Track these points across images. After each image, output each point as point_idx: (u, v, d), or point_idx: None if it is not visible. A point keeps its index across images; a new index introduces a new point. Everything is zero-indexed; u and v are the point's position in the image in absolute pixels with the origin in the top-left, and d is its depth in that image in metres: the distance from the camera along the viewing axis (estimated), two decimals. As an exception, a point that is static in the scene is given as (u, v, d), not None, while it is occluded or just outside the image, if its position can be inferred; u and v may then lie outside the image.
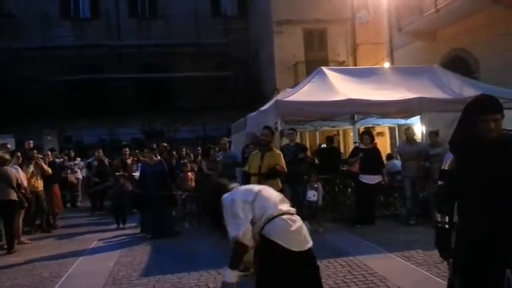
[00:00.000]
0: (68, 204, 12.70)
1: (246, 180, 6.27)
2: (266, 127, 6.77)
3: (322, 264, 4.23)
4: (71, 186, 12.98)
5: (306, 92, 8.89)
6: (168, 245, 7.30)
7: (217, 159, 9.26)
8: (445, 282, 4.55)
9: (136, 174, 9.79)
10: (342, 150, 14.12)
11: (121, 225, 9.08)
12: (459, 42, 11.63)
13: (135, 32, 23.13)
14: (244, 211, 2.97)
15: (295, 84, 13.74)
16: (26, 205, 7.86)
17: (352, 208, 8.70)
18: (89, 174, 12.41)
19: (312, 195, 7.78)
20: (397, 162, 9.53)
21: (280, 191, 5.08)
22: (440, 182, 2.89)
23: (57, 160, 11.36)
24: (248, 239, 2.93)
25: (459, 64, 11.48)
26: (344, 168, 9.64)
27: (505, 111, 2.69)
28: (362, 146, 8.40)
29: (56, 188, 9.62)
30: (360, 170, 8.12)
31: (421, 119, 8.61)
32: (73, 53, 21.83)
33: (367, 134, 8.57)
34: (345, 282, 4.95)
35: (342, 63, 17.96)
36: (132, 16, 23.82)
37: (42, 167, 8.80)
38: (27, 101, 20.24)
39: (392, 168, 9.59)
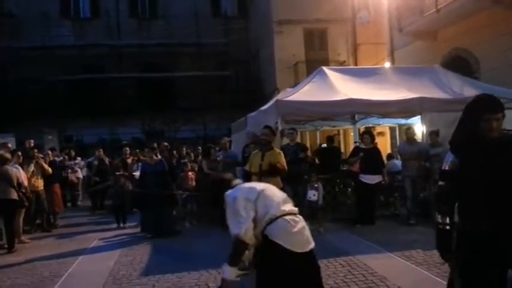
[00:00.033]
0: (69, 204, 12.71)
1: (247, 179, 6.27)
2: (266, 126, 6.77)
3: (322, 264, 4.22)
4: (72, 185, 12.99)
5: (307, 92, 8.89)
6: (168, 245, 7.30)
7: (218, 158, 9.27)
8: (445, 282, 4.56)
9: (137, 173, 9.79)
10: (342, 150, 14.13)
11: (121, 225, 9.09)
12: (460, 42, 11.63)
13: (135, 32, 23.12)
14: (246, 209, 2.96)
15: (295, 84, 13.74)
16: (27, 204, 7.87)
17: (352, 208, 8.70)
18: (89, 173, 12.42)
19: (312, 194, 7.78)
20: (398, 162, 9.53)
21: (281, 190, 5.07)
22: (440, 183, 2.87)
23: (57, 159, 11.34)
24: (249, 237, 2.92)
25: (460, 64, 11.49)
26: (344, 168, 9.64)
27: (506, 112, 2.69)
28: (362, 146, 8.40)
29: (57, 187, 9.63)
30: (360, 169, 8.12)
31: (421, 119, 8.61)
32: (73, 53, 21.83)
33: (368, 134, 8.57)
34: (345, 282, 4.95)
35: (342, 63, 17.96)
36: (133, 16, 23.81)
37: (42, 167, 8.81)
38: (27, 101, 20.24)
39: (392, 168, 9.59)
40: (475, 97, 2.79)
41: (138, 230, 8.38)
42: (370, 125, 11.64)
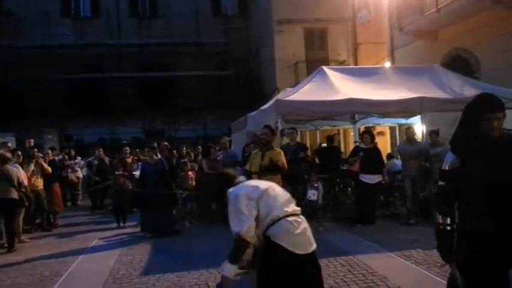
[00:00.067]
0: (69, 203, 12.71)
1: (247, 179, 6.26)
2: (266, 126, 6.78)
3: (322, 263, 4.21)
4: (72, 185, 12.99)
5: (307, 92, 8.89)
6: (168, 244, 7.31)
7: (218, 158, 9.28)
8: (445, 282, 4.57)
9: (137, 173, 9.79)
10: (342, 149, 14.14)
11: (121, 224, 9.09)
12: (460, 42, 11.62)
13: (135, 31, 23.11)
14: (248, 207, 2.92)
15: (295, 83, 13.74)
16: (27, 204, 7.87)
17: (352, 207, 8.70)
18: (89, 173, 12.43)
19: (312, 194, 7.79)
20: (398, 162, 9.53)
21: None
22: (440, 183, 2.85)
23: (56, 158, 11.34)
24: (251, 236, 2.89)
25: (460, 64, 11.48)
26: (344, 168, 9.64)
27: (506, 111, 2.68)
28: (362, 146, 8.40)
29: (57, 186, 9.63)
30: (360, 169, 8.12)
31: (421, 118, 8.61)
32: (73, 52, 21.81)
33: (368, 134, 8.57)
34: (344, 281, 4.95)
35: (342, 63, 17.96)
36: (133, 15, 23.80)
37: (42, 166, 8.81)
38: (27, 100, 20.23)
39: (392, 168, 9.59)
40: (476, 96, 2.78)
41: (138, 229, 8.38)
42: (370, 125, 11.64)
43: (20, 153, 8.60)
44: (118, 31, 23.13)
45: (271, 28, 18.69)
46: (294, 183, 7.60)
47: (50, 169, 9.02)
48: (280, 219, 2.94)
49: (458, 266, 2.65)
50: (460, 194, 2.69)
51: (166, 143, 11.57)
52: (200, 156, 10.64)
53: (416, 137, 8.64)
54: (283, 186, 6.00)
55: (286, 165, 6.41)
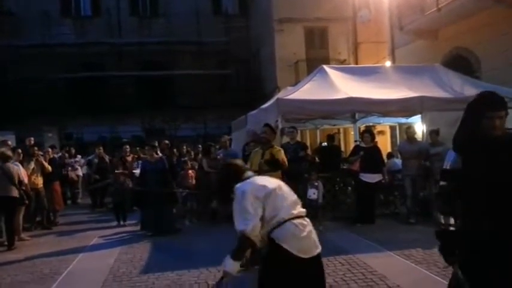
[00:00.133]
0: (69, 201, 12.72)
1: None
2: (266, 125, 6.78)
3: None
4: (72, 183, 13.00)
5: (307, 91, 8.89)
6: (168, 243, 7.31)
7: (218, 157, 9.28)
8: (444, 281, 4.56)
9: (137, 171, 9.79)
10: (342, 148, 14.13)
11: (121, 223, 9.09)
12: (461, 41, 11.62)
13: (136, 30, 23.12)
14: (254, 206, 2.85)
15: (296, 82, 13.73)
16: (27, 202, 7.87)
17: (352, 207, 8.70)
18: (89, 171, 12.44)
19: (312, 193, 7.79)
20: (398, 161, 9.53)
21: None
22: (442, 183, 2.81)
23: (56, 156, 11.33)
24: (255, 235, 2.84)
25: (461, 63, 11.48)
26: (344, 167, 9.64)
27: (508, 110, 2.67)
28: (363, 145, 8.40)
29: (57, 185, 9.64)
30: (360, 168, 8.12)
31: (422, 118, 8.61)
32: (74, 51, 21.82)
33: (368, 133, 8.57)
34: (344, 280, 4.96)
35: (343, 62, 17.95)
36: (133, 14, 23.78)
37: (42, 164, 8.81)
38: (27, 98, 20.23)
39: (392, 167, 9.59)
40: (478, 95, 2.74)
41: (138, 227, 8.39)
42: (371, 124, 11.64)
43: (20, 151, 8.60)
44: (118, 30, 23.13)
45: (272, 27, 18.68)
46: (293, 182, 7.59)
47: (50, 168, 9.03)
48: (285, 221, 2.89)
49: (462, 267, 2.60)
50: (461, 193, 2.65)
51: (167, 142, 11.58)
52: (200, 155, 10.63)
53: (416, 136, 8.64)
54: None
55: (286, 162, 6.40)
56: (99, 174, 11.48)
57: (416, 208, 8.24)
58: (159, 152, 9.00)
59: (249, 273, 3.10)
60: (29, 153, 8.73)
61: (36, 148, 9.07)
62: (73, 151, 13.98)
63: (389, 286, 4.69)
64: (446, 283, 4.41)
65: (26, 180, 7.94)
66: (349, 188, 9.08)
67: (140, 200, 8.38)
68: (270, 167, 6.12)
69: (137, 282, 5.24)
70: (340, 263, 5.59)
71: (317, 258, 2.99)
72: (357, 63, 17.81)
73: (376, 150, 8.38)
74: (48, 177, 9.03)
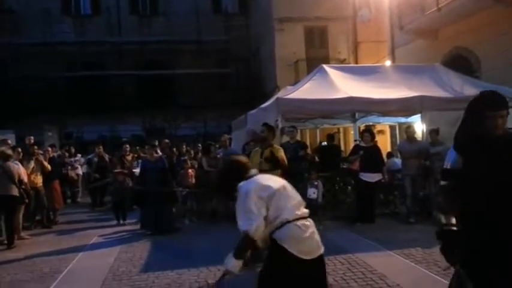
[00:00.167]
0: (69, 200, 12.72)
1: None
2: (264, 124, 6.79)
3: (321, 261, 4.26)
4: (72, 182, 13.00)
5: (307, 90, 8.89)
6: (168, 242, 7.31)
7: (218, 156, 9.28)
8: (444, 281, 4.57)
9: (137, 170, 9.80)
10: (342, 148, 14.13)
11: (121, 222, 9.09)
12: (461, 41, 11.62)
13: (136, 29, 23.11)
14: (257, 206, 2.83)
15: (296, 81, 13.72)
16: (27, 201, 7.87)
17: (352, 206, 8.70)
18: (89, 170, 12.43)
19: (312, 192, 7.79)
20: (398, 161, 9.53)
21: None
22: (442, 182, 2.80)
23: (55, 155, 11.34)
24: (258, 235, 2.83)
25: (461, 63, 11.48)
26: (344, 166, 9.64)
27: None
28: (362, 144, 8.40)
29: (56, 184, 9.64)
30: (360, 168, 8.12)
31: (421, 117, 8.62)
32: (74, 50, 21.83)
33: (368, 132, 8.57)
34: (344, 279, 4.96)
35: (343, 61, 17.94)
36: (133, 13, 23.77)
37: (42, 163, 8.81)
38: (27, 97, 20.23)
39: (392, 167, 9.59)
40: (479, 94, 2.72)
41: (138, 226, 8.39)
42: (370, 123, 11.64)
43: (20, 150, 8.60)
44: (118, 29, 23.12)
45: (272, 26, 18.68)
46: (293, 182, 7.59)
47: (49, 167, 9.03)
48: (288, 222, 2.86)
49: (463, 268, 2.56)
50: (462, 192, 2.63)
51: (167, 141, 11.57)
52: (200, 154, 10.64)
53: (416, 135, 8.65)
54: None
55: (286, 161, 6.40)
56: (99, 173, 11.48)
57: (416, 207, 8.25)
58: (159, 151, 9.01)
59: (250, 272, 3.08)
60: (28, 152, 8.73)
61: (36, 147, 9.07)
62: (73, 150, 13.98)
63: (389, 285, 4.70)
64: (446, 282, 4.41)
65: (25, 179, 7.94)
66: (349, 187, 9.08)
67: (140, 199, 8.38)
68: (270, 164, 6.11)
69: (137, 281, 5.25)
70: (340, 262, 5.59)
71: (319, 260, 2.97)
72: (356, 63, 17.81)
73: (376, 149, 8.38)
74: (47, 176, 9.03)
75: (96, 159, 11.80)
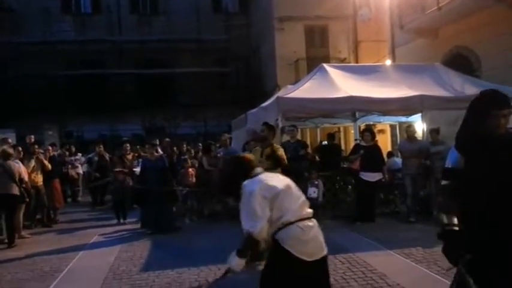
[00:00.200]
0: (69, 199, 12.73)
1: None
2: (264, 123, 6.80)
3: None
4: (72, 181, 13.02)
5: (307, 89, 8.89)
6: (168, 241, 7.32)
7: (218, 155, 9.29)
8: (444, 280, 4.57)
9: (137, 169, 9.80)
10: (342, 147, 14.12)
11: (121, 221, 9.10)
12: (461, 40, 11.61)
13: (136, 28, 23.09)
14: (261, 206, 2.79)
15: (296, 80, 13.72)
16: (27, 200, 7.87)
17: (352, 205, 8.71)
18: (89, 169, 12.43)
19: (313, 192, 7.79)
20: (398, 160, 9.53)
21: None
22: (444, 182, 2.77)
23: (55, 153, 11.34)
24: (262, 237, 2.81)
25: (461, 62, 11.47)
26: (344, 166, 9.64)
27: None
28: (363, 143, 8.40)
29: (57, 183, 9.64)
30: (360, 167, 8.12)
31: (422, 116, 8.62)
32: (74, 48, 21.79)
33: (368, 131, 8.57)
34: (344, 278, 4.96)
35: (343, 60, 17.94)
36: (133, 12, 23.76)
37: (42, 162, 8.81)
38: (27, 96, 20.21)
39: (392, 166, 9.59)
40: (481, 93, 2.70)
41: (138, 226, 8.39)
42: (371, 123, 11.64)
43: (20, 149, 8.60)
44: (118, 28, 23.09)
45: (272, 25, 18.67)
46: (293, 181, 7.59)
47: (49, 166, 9.03)
48: (291, 223, 2.84)
49: (468, 268, 2.50)
50: (463, 192, 2.61)
51: (168, 140, 11.57)
52: (200, 153, 10.65)
53: (416, 135, 8.65)
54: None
55: (285, 159, 6.41)
56: (99, 172, 11.48)
57: (416, 207, 8.25)
58: (159, 150, 9.01)
59: (250, 270, 3.07)
60: (29, 151, 8.74)
61: (36, 146, 9.07)
62: (73, 149, 14.00)
63: (389, 285, 4.70)
64: (446, 282, 4.42)
65: (26, 178, 7.94)
66: (349, 186, 9.09)
67: (140, 198, 8.38)
68: (271, 163, 6.11)
69: (137, 280, 5.25)
70: (340, 261, 5.59)
71: (322, 261, 2.95)
72: (357, 62, 17.80)
73: (376, 149, 8.38)
74: (48, 175, 9.03)
75: (96, 158, 11.80)
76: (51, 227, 9.02)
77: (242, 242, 2.87)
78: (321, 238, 2.98)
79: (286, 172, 6.51)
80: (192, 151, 11.79)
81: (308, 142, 12.61)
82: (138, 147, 12.72)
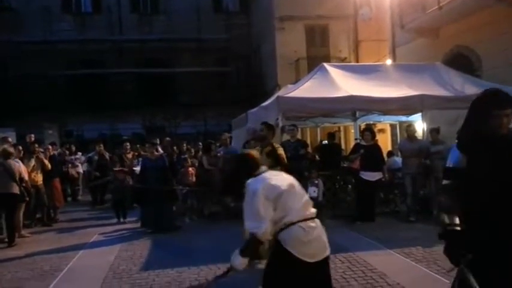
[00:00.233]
0: (69, 198, 12.74)
1: None
2: (263, 123, 6.80)
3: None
4: (72, 180, 13.02)
5: (308, 88, 8.88)
6: (168, 240, 7.32)
7: (218, 154, 9.28)
8: (444, 279, 4.57)
9: (137, 168, 9.80)
10: (343, 146, 14.12)
11: (121, 220, 9.10)
12: (462, 40, 11.60)
13: (136, 27, 23.11)
14: (265, 207, 2.76)
15: (296, 80, 13.72)
16: (28, 199, 7.87)
17: (352, 205, 8.70)
18: (89, 168, 12.43)
19: (313, 191, 7.77)
20: (398, 159, 9.53)
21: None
22: (445, 181, 2.74)
23: (55, 153, 11.34)
24: (266, 238, 2.80)
25: (461, 62, 11.46)
26: (345, 165, 9.63)
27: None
28: (363, 143, 8.40)
29: (57, 182, 9.64)
30: (360, 166, 8.11)
31: (422, 116, 8.61)
32: (74, 48, 21.81)
33: (368, 131, 8.56)
34: (344, 278, 4.96)
35: (343, 60, 17.94)
36: (134, 11, 23.76)
37: (42, 161, 8.81)
38: (28, 95, 20.23)
39: (392, 165, 9.59)
40: (482, 93, 2.68)
41: (138, 225, 8.39)
42: (371, 122, 11.64)
43: (20, 148, 8.60)
44: (119, 27, 23.10)
45: (273, 25, 18.66)
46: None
47: (49, 165, 9.03)
48: (293, 224, 2.81)
49: (472, 269, 2.46)
50: (465, 192, 2.59)
51: (169, 139, 11.57)
52: (200, 153, 10.64)
53: (417, 134, 8.65)
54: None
55: (285, 158, 6.41)
56: (99, 171, 11.48)
57: (416, 206, 8.25)
58: (160, 150, 9.00)
59: (249, 269, 3.05)
60: (29, 150, 8.73)
61: (36, 145, 9.07)
62: (73, 148, 14.00)
63: (389, 284, 4.70)
64: (446, 281, 4.42)
65: (26, 177, 7.94)
66: (350, 186, 9.09)
67: (140, 198, 8.37)
68: (271, 160, 6.10)
69: (137, 279, 5.25)
70: (340, 260, 5.59)
71: (324, 262, 2.92)
72: (357, 61, 17.79)
73: (376, 148, 8.37)
74: (48, 174, 9.03)
75: (96, 158, 11.80)
76: (51, 226, 9.02)
77: (245, 242, 2.85)
78: (324, 239, 2.95)
79: (286, 171, 6.54)
80: (192, 150, 11.79)
81: (308, 141, 12.60)
82: (138, 146, 12.71)
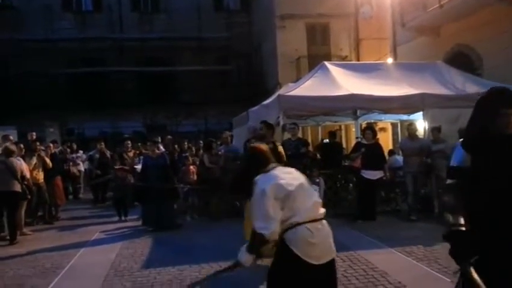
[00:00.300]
0: (70, 196, 12.76)
1: None
2: (262, 122, 6.81)
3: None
4: (73, 178, 13.04)
5: (309, 87, 8.88)
6: (169, 238, 7.33)
7: (219, 152, 9.29)
8: (445, 278, 4.58)
9: (139, 167, 9.80)
10: (344, 145, 14.13)
11: (123, 218, 9.11)
12: (463, 39, 11.59)
13: (137, 26, 23.12)
14: (273, 207, 2.71)
15: (297, 78, 13.73)
16: (29, 197, 7.88)
17: (353, 203, 8.70)
18: (91, 166, 12.45)
19: (314, 190, 7.78)
20: (399, 158, 9.54)
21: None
22: (449, 181, 2.69)
23: (57, 151, 11.35)
24: (274, 238, 2.76)
25: (462, 60, 11.46)
26: (346, 164, 9.64)
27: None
28: (364, 142, 8.40)
29: (58, 180, 9.66)
30: (361, 165, 8.11)
31: (423, 115, 8.62)
32: (75, 46, 21.82)
33: (370, 130, 8.56)
34: (345, 276, 4.96)
35: (344, 58, 17.93)
36: (134, 10, 23.76)
37: (44, 159, 8.83)
38: (29, 93, 20.26)
39: (394, 164, 9.59)
40: (489, 90, 2.62)
41: (140, 223, 8.40)
42: (372, 121, 11.64)
43: (22, 146, 8.61)
44: (120, 25, 23.10)
45: (274, 23, 18.65)
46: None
47: (50, 163, 9.04)
48: (299, 224, 2.76)
49: (478, 270, 2.39)
50: (470, 191, 2.55)
51: (170, 137, 11.58)
52: (202, 151, 10.65)
53: (418, 133, 8.65)
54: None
55: (284, 157, 6.43)
56: (100, 169, 11.50)
57: (417, 205, 8.25)
58: (161, 148, 9.01)
59: (251, 267, 3.05)
60: (31, 148, 8.74)
61: (38, 143, 9.08)
62: (75, 146, 14.01)
63: (390, 282, 4.71)
64: (447, 280, 4.44)
65: (28, 175, 7.95)
66: (351, 184, 9.09)
67: (141, 196, 8.38)
68: (274, 157, 6.11)
69: (138, 277, 5.26)
70: (341, 259, 5.58)
71: (330, 264, 2.87)
72: (358, 60, 17.79)
73: (377, 147, 8.37)
74: (49, 172, 9.04)
75: (97, 156, 11.81)
76: (52, 224, 9.04)
77: (252, 240, 2.81)
78: (331, 241, 2.90)
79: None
80: (193, 149, 11.80)
81: (309, 140, 12.63)
82: (139, 144, 12.73)
